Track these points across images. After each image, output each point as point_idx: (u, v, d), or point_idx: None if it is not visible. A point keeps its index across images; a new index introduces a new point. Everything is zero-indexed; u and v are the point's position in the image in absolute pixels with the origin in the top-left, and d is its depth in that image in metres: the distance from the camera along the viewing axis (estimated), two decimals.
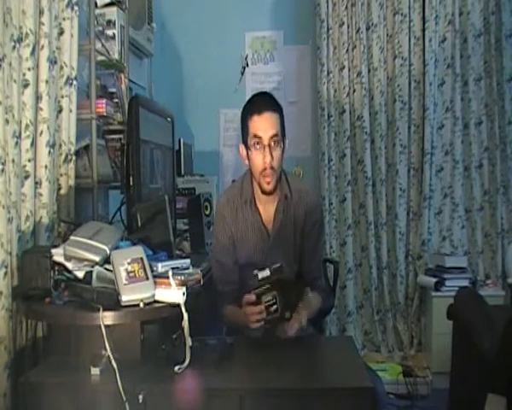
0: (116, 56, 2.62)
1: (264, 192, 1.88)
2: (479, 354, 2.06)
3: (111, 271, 1.47)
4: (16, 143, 1.71)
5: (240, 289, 1.92)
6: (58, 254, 1.55)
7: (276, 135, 1.80)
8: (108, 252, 1.53)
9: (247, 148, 1.86)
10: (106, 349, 1.38)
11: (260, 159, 1.81)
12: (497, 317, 2.15)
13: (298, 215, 1.94)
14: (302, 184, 2.08)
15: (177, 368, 1.42)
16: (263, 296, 1.66)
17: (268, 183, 1.84)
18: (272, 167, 1.81)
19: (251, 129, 1.82)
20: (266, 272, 1.67)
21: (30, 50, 1.78)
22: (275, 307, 1.66)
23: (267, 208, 1.94)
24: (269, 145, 1.79)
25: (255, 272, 1.68)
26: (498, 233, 3.56)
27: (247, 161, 1.90)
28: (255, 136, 1.80)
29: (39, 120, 1.85)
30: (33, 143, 1.81)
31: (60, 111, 2.00)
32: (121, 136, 2.57)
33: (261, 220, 1.94)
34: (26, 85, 1.78)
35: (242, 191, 1.94)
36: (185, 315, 1.42)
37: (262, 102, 1.85)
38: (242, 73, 3.98)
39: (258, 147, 1.81)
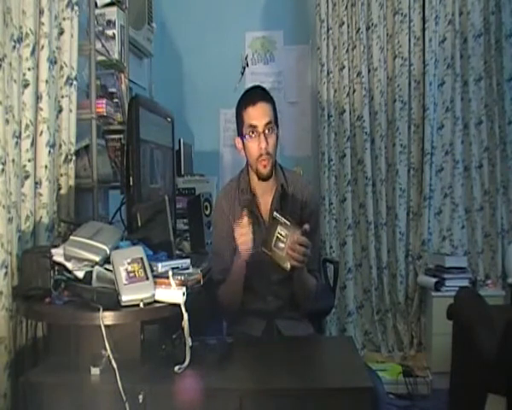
0: (116, 56, 2.63)
1: (261, 178, 1.93)
2: (479, 354, 2.06)
3: (111, 271, 1.47)
4: (16, 143, 1.71)
5: None
6: (58, 254, 1.55)
7: (270, 122, 1.88)
8: (108, 252, 1.53)
9: (243, 138, 1.92)
10: (106, 349, 1.38)
11: (256, 145, 1.88)
12: (497, 317, 2.15)
13: (294, 206, 1.98)
14: (298, 177, 2.19)
15: (177, 368, 1.42)
16: (279, 226, 1.68)
17: (264, 166, 1.89)
18: (268, 153, 1.88)
19: (246, 119, 1.89)
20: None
21: (30, 50, 1.78)
22: (282, 245, 1.68)
23: (264, 198, 1.98)
24: (264, 132, 1.87)
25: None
26: (498, 233, 3.56)
27: (243, 152, 1.97)
28: (250, 125, 1.88)
29: (39, 120, 1.85)
30: (33, 143, 1.82)
31: (60, 111, 2.01)
32: (121, 136, 2.58)
33: (258, 209, 1.98)
34: (26, 85, 1.78)
35: (240, 182, 2.02)
36: (185, 315, 1.42)
37: (255, 94, 1.94)
38: (242, 73, 3.98)
39: (253, 135, 1.88)
